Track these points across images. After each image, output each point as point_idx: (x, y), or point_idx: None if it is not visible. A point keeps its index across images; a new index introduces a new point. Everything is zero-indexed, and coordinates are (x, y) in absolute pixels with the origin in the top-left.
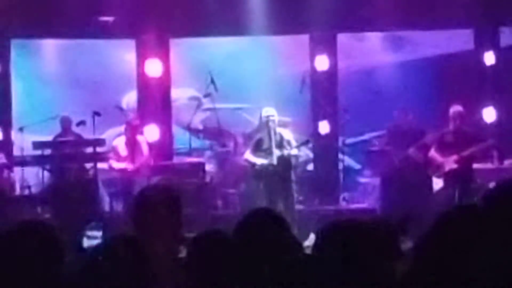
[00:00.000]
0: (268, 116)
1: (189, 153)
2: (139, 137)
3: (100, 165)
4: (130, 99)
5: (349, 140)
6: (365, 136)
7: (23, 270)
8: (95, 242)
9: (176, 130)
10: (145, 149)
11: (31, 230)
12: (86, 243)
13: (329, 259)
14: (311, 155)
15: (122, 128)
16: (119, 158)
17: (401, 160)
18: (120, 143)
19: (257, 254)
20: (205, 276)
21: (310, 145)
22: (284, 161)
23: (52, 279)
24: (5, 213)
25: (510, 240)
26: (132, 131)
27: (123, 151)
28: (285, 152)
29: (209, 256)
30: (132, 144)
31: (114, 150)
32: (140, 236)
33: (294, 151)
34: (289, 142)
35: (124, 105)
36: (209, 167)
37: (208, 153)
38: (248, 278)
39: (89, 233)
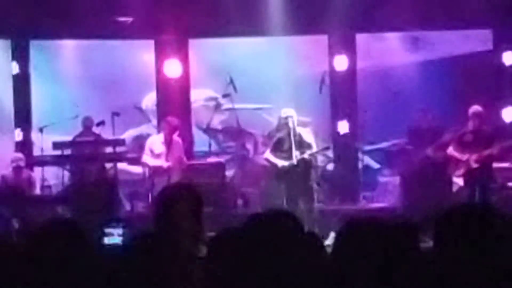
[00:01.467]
0: (287, 117)
1: (208, 156)
2: (175, 137)
3: (120, 165)
4: (149, 100)
5: (367, 147)
6: (382, 144)
7: (54, 267)
8: (114, 240)
9: (195, 133)
10: (180, 148)
11: (62, 228)
12: (106, 241)
13: (348, 258)
14: (331, 155)
15: (142, 128)
16: (153, 155)
17: (421, 159)
18: (156, 141)
19: (274, 254)
20: (224, 275)
21: (330, 149)
22: (304, 161)
23: (80, 276)
24: (26, 213)
25: None
26: (171, 130)
27: (158, 148)
28: (305, 155)
29: (228, 255)
30: (169, 143)
31: (149, 147)
32: (161, 234)
33: (314, 152)
34: (309, 145)
35: (144, 106)
36: (228, 168)
37: (227, 155)
38: (266, 277)
39: (108, 230)
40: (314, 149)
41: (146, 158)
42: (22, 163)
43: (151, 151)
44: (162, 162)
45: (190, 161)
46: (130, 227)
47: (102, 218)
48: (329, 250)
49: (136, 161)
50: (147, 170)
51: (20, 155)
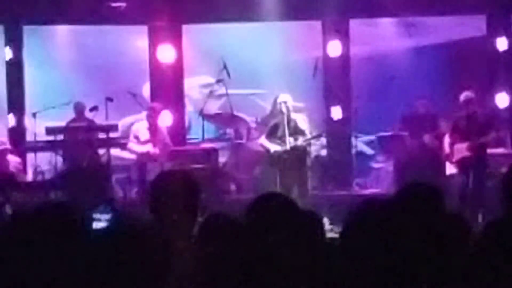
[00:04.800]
0: (283, 102)
1: (202, 141)
2: (159, 123)
3: (113, 151)
4: (148, 87)
5: (362, 138)
6: (380, 134)
7: (45, 251)
8: (102, 225)
9: (188, 119)
10: (165, 134)
11: (54, 213)
12: (94, 225)
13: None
14: (324, 141)
15: (139, 115)
16: (139, 142)
17: (415, 146)
18: (141, 127)
19: (267, 237)
20: (213, 259)
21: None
22: (298, 147)
23: (71, 260)
24: (19, 199)
25: None
26: (155, 116)
27: (144, 135)
28: (298, 142)
29: (217, 239)
30: (154, 129)
31: (134, 134)
32: (156, 221)
33: (308, 139)
34: (303, 132)
35: (144, 92)
36: (222, 154)
37: (221, 142)
38: (255, 261)
39: (96, 216)
40: (308, 135)
41: (132, 145)
42: (3, 148)
43: (137, 138)
44: (148, 148)
45: (183, 147)
46: (121, 213)
47: (94, 204)
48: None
49: (142, 144)
50: (135, 156)
51: (2, 140)
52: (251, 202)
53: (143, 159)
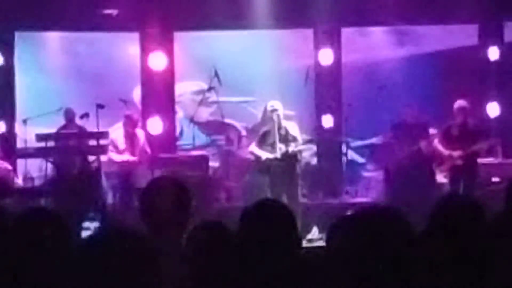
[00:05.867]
0: (273, 110)
1: (192, 148)
2: (138, 131)
3: (104, 157)
4: (138, 92)
5: (354, 143)
6: (370, 141)
7: (34, 255)
8: (92, 232)
9: (180, 126)
10: (142, 142)
11: (43, 217)
12: (83, 234)
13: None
14: (315, 149)
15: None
16: (118, 151)
17: (408, 154)
18: (119, 136)
19: (257, 247)
20: (202, 267)
21: (315, 138)
22: (289, 155)
23: (60, 266)
24: (8, 204)
25: None
26: (132, 125)
27: (122, 144)
28: (289, 148)
29: (206, 247)
30: (131, 137)
31: (113, 143)
32: (147, 227)
33: (300, 147)
34: (294, 138)
35: (134, 98)
36: (212, 161)
37: (211, 148)
38: (246, 270)
39: (86, 225)
40: (300, 142)
41: (112, 154)
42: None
43: (116, 147)
44: (127, 157)
45: (171, 154)
46: (111, 220)
47: (83, 211)
48: (310, 244)
49: (120, 153)
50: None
51: None
52: (247, 209)
53: (125, 168)
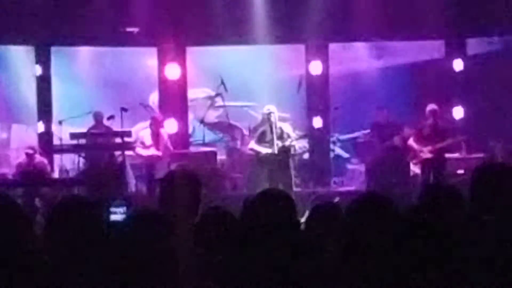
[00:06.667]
0: (270, 113)
1: (203, 145)
2: (162, 130)
3: (127, 152)
4: (154, 97)
5: (342, 137)
6: (355, 134)
7: (70, 241)
8: (118, 217)
9: (192, 126)
10: (166, 139)
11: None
12: (112, 218)
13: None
14: (306, 145)
15: (147, 123)
16: (145, 147)
17: (384, 149)
18: (146, 134)
19: (260, 229)
20: (210, 245)
21: (307, 137)
22: (284, 150)
23: (95, 248)
24: (47, 193)
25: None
26: (157, 125)
27: (148, 141)
28: (285, 143)
29: (213, 229)
30: (156, 135)
31: (140, 140)
32: (164, 211)
33: (294, 143)
34: (288, 135)
35: (150, 102)
36: (220, 156)
37: (219, 144)
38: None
39: (114, 209)
40: (293, 139)
41: (139, 149)
42: (31, 152)
43: (142, 144)
44: (153, 152)
45: (185, 150)
46: (134, 206)
47: (111, 198)
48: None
49: (147, 149)
50: (143, 159)
51: (32, 145)
52: (252, 198)
53: (149, 161)
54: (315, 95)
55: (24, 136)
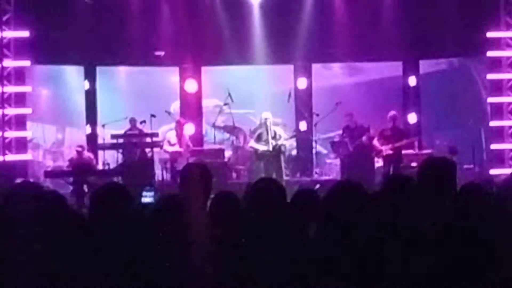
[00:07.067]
0: (266, 118)
1: (214, 143)
2: (184, 132)
3: (155, 149)
4: (175, 106)
5: (321, 137)
6: (331, 135)
7: (108, 218)
8: (148, 200)
9: (205, 129)
10: (186, 139)
11: (114, 189)
12: (142, 200)
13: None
14: (294, 144)
15: (172, 125)
16: (170, 145)
17: (354, 147)
18: (172, 135)
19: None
20: (220, 221)
21: (294, 137)
22: (277, 148)
23: (130, 223)
24: (93, 181)
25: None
26: (180, 127)
27: (173, 140)
28: (278, 142)
29: (222, 209)
30: (180, 135)
31: (167, 139)
32: (182, 196)
33: (284, 142)
34: (280, 136)
35: (172, 109)
36: (227, 152)
37: (226, 143)
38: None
39: (144, 194)
40: (284, 139)
41: (166, 147)
42: (80, 149)
43: (168, 142)
44: (176, 148)
45: (200, 147)
46: (160, 191)
47: (142, 185)
48: None
49: (172, 146)
50: (168, 154)
51: (81, 143)
52: (252, 185)
53: (173, 156)
54: (301, 105)
55: (75, 136)
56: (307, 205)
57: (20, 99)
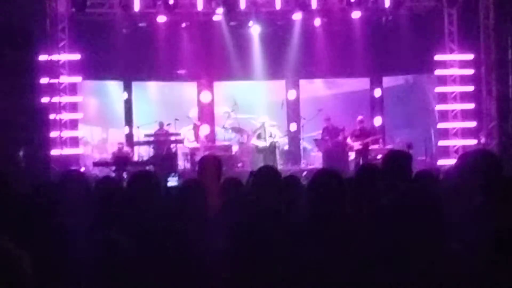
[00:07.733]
0: (264, 121)
1: (224, 141)
2: (200, 131)
3: (179, 145)
4: (194, 112)
5: (307, 135)
6: (314, 134)
7: (141, 198)
8: (173, 184)
9: (217, 130)
10: (202, 137)
11: (147, 175)
12: (168, 184)
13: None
14: (286, 141)
15: (191, 127)
16: (189, 141)
17: (332, 143)
18: (190, 134)
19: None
20: (228, 201)
21: (286, 136)
22: (273, 144)
23: (156, 201)
24: (130, 169)
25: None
26: (197, 128)
27: (191, 137)
28: (273, 140)
29: (230, 191)
30: (197, 135)
31: (187, 137)
32: (200, 180)
33: (278, 140)
34: (275, 135)
35: (190, 115)
36: (234, 147)
37: (233, 141)
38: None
39: (170, 179)
40: (278, 137)
41: (186, 143)
42: (120, 145)
43: (188, 139)
44: (194, 144)
45: (213, 144)
46: (183, 177)
47: (168, 172)
48: None
49: (191, 143)
50: (188, 149)
51: (121, 141)
52: (254, 172)
53: (192, 150)
54: (291, 111)
55: (116, 135)
56: (295, 186)
57: (73, 107)
